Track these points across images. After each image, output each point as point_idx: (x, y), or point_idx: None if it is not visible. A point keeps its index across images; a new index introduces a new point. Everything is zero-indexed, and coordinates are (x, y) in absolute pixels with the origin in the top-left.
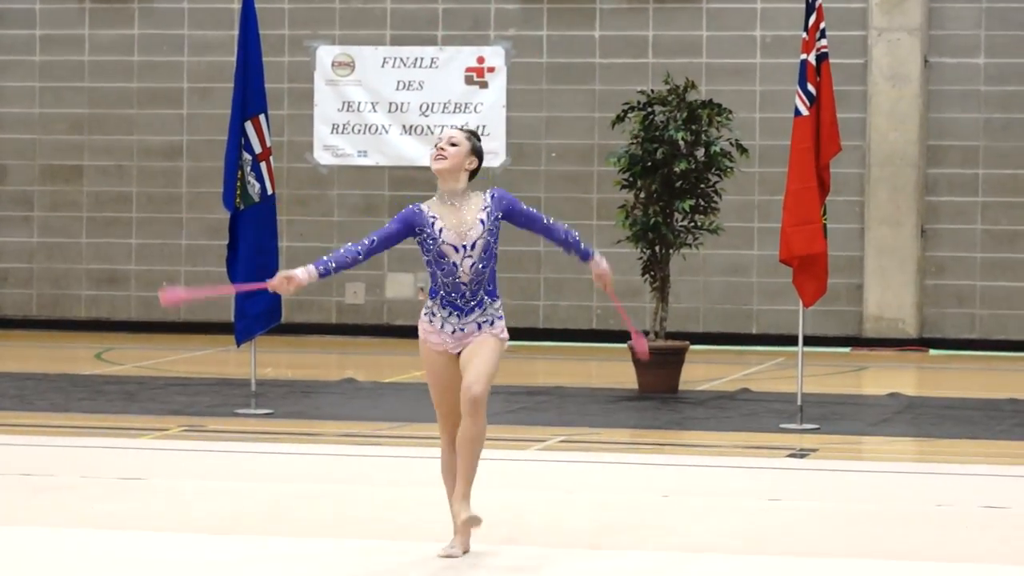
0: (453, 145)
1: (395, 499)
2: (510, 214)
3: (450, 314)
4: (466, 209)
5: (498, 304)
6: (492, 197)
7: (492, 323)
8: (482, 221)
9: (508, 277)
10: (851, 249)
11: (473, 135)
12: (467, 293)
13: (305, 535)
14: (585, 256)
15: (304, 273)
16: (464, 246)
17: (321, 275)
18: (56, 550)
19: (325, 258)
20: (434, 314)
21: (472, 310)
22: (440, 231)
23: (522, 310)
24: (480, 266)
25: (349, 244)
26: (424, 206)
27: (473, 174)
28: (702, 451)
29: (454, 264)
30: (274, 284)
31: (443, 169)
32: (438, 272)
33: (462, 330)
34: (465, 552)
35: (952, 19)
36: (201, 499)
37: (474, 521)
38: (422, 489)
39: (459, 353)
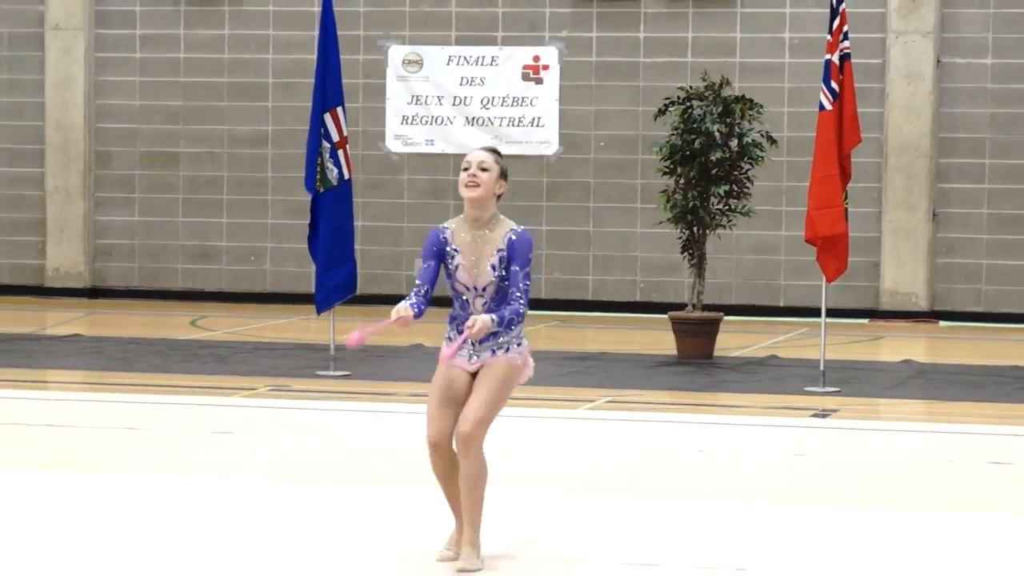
0: (484, 170)
1: None
2: (505, 262)
3: (465, 342)
4: (486, 247)
5: (515, 332)
6: (511, 240)
7: (507, 350)
8: (493, 267)
9: (561, 254)
10: (869, 230)
11: (498, 154)
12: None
13: (379, 483)
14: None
15: (405, 305)
16: (476, 287)
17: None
18: (156, 496)
19: (414, 301)
20: (451, 339)
21: (487, 338)
22: (456, 268)
23: (574, 284)
24: (492, 306)
25: (413, 298)
26: (449, 232)
27: (498, 198)
28: (734, 411)
29: (466, 300)
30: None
31: (475, 197)
32: (456, 301)
33: (477, 356)
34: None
35: (963, 23)
36: (285, 451)
37: (475, 570)
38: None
39: (475, 374)
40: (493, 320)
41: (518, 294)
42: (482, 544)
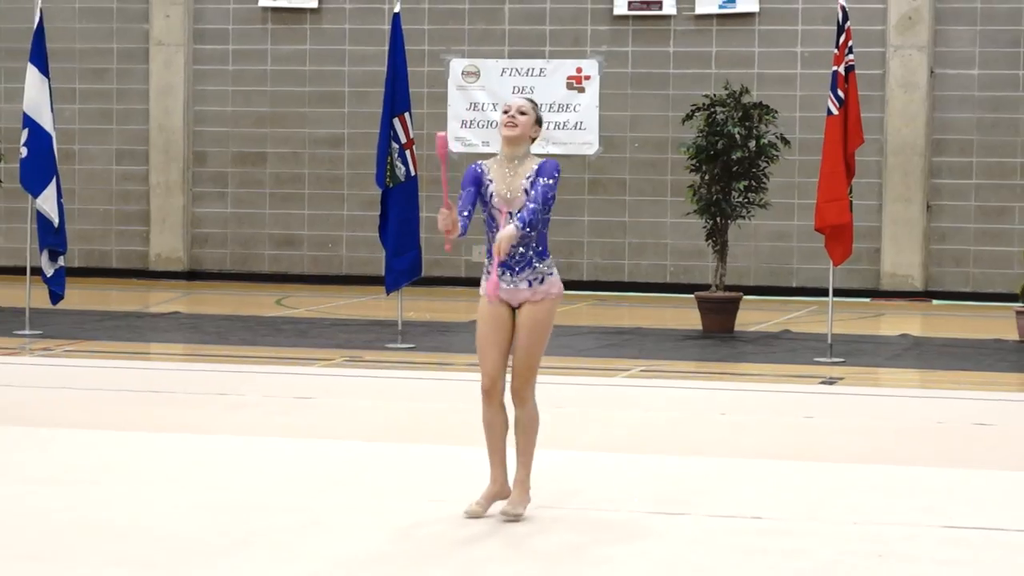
0: (523, 114)
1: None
2: (533, 183)
3: (503, 273)
4: (518, 175)
5: (548, 262)
6: (540, 164)
7: (542, 280)
8: (526, 191)
9: (600, 241)
10: (871, 220)
11: (535, 105)
12: (516, 255)
13: (442, 443)
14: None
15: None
16: (511, 212)
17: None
18: (245, 454)
19: (464, 222)
20: (488, 272)
21: (522, 269)
22: (491, 194)
23: (611, 268)
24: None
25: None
26: (484, 165)
27: (532, 141)
28: (752, 379)
29: (499, 226)
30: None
31: (513, 136)
32: (490, 233)
33: (515, 286)
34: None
35: (953, 39)
36: (359, 414)
37: (517, 517)
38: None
39: (516, 308)
40: (517, 227)
41: (533, 198)
42: (533, 495)
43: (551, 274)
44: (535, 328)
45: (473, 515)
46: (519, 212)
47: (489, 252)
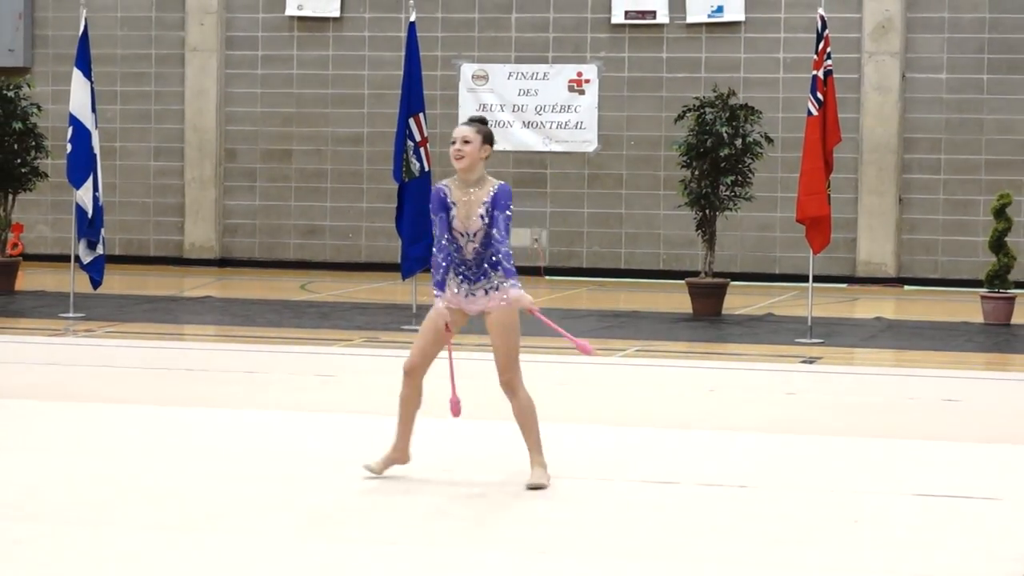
0: (467, 143)
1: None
2: (490, 211)
3: (461, 282)
4: (475, 199)
5: (500, 272)
6: (494, 194)
7: (497, 287)
8: (482, 216)
9: (599, 231)
10: (847, 212)
11: (481, 122)
12: (473, 267)
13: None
14: (506, 274)
15: (443, 305)
16: (468, 233)
17: (443, 291)
18: (272, 427)
19: (438, 280)
20: (449, 280)
21: (478, 279)
22: (453, 218)
23: (609, 256)
24: (480, 248)
25: (436, 255)
26: (447, 188)
27: (486, 159)
28: (738, 358)
29: (459, 246)
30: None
31: (463, 167)
32: (450, 248)
33: (473, 295)
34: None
35: (923, 46)
36: (377, 390)
37: (540, 486)
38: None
39: (476, 314)
40: (518, 287)
41: (498, 237)
42: (526, 466)
43: (505, 282)
44: (505, 330)
45: (370, 470)
46: (498, 259)
47: (445, 266)
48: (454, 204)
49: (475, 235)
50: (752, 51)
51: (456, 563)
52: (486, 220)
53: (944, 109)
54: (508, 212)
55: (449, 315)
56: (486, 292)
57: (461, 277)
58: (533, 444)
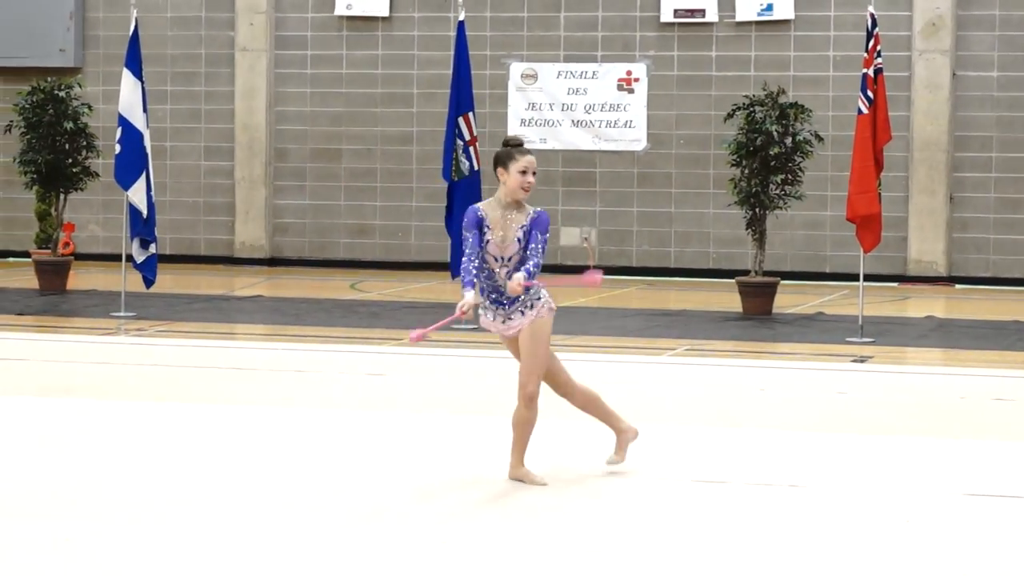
0: (535, 174)
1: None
2: (527, 234)
3: (497, 308)
4: (513, 223)
5: (534, 290)
6: (534, 217)
7: (532, 305)
8: (519, 240)
9: (648, 230)
10: (898, 211)
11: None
12: (506, 291)
13: (499, 415)
14: (526, 272)
15: (472, 295)
16: (502, 258)
17: (472, 287)
18: (322, 425)
19: (468, 280)
20: (486, 308)
21: (513, 302)
22: (488, 241)
23: (658, 254)
24: (512, 273)
25: (467, 263)
26: (484, 211)
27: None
28: (788, 357)
29: (492, 271)
30: (461, 314)
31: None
32: (482, 275)
33: (510, 318)
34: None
35: (974, 43)
36: (426, 389)
37: (539, 481)
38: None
39: (515, 334)
40: (525, 277)
41: (534, 252)
42: (583, 466)
43: (539, 298)
44: (533, 337)
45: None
46: (525, 265)
47: (483, 291)
48: (490, 228)
49: (510, 260)
50: (802, 49)
51: (505, 560)
52: (522, 243)
53: (995, 107)
54: (547, 235)
55: (472, 304)
56: (523, 313)
57: (495, 304)
58: (521, 449)
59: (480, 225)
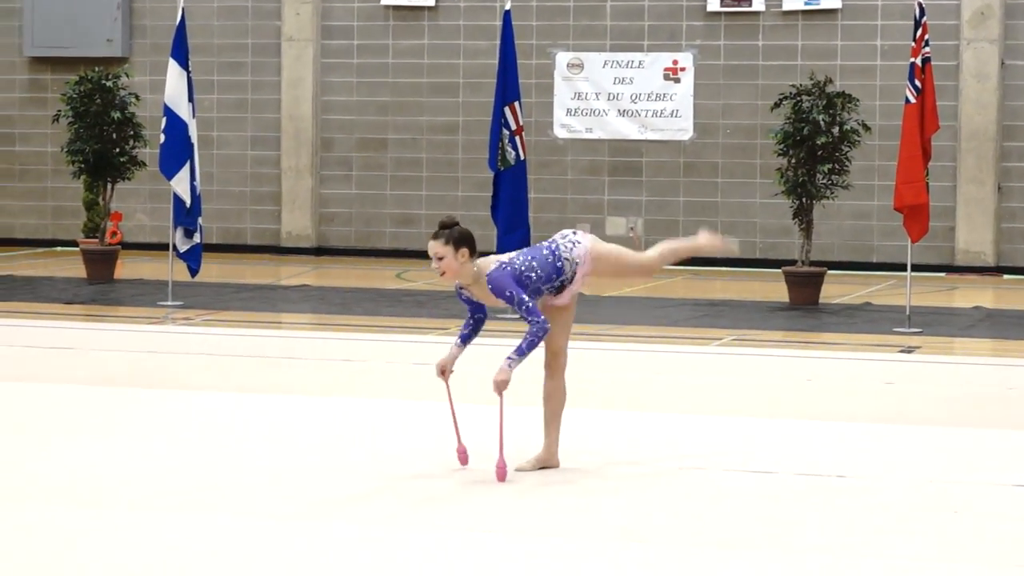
0: (440, 259)
1: (607, 376)
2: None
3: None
4: (483, 291)
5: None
6: (489, 289)
7: (570, 279)
8: (496, 297)
9: (695, 220)
10: (946, 200)
11: (449, 228)
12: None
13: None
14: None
15: (457, 350)
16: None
17: (464, 344)
18: (370, 415)
19: (463, 334)
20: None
21: (554, 286)
22: (475, 298)
23: None
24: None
25: (464, 328)
26: (464, 290)
27: (472, 252)
28: (835, 347)
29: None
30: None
31: (448, 280)
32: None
33: (560, 293)
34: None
35: (1022, 32)
36: (474, 377)
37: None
38: (638, 373)
39: (568, 301)
40: (509, 366)
41: (525, 318)
42: (625, 455)
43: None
44: (572, 314)
45: (520, 469)
46: (518, 345)
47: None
48: (471, 294)
49: (518, 345)
50: (849, 38)
51: (551, 551)
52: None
53: None
54: (508, 293)
55: (449, 363)
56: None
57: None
58: (556, 429)
59: (466, 299)
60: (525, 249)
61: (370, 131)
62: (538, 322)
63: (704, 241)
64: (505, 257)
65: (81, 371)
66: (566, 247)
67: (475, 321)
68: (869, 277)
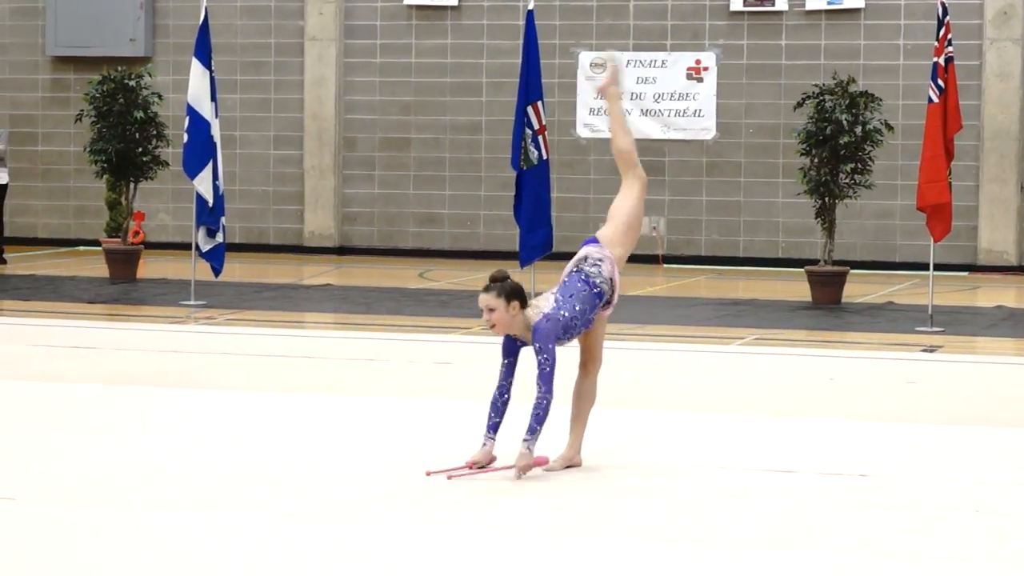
0: (492, 311)
1: (629, 376)
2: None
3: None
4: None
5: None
6: (533, 337)
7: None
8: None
9: (717, 219)
10: (968, 200)
11: (500, 282)
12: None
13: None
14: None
15: (491, 444)
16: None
17: (495, 434)
18: (392, 414)
19: (492, 423)
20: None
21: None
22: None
23: (727, 244)
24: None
25: (498, 396)
26: (517, 340)
27: (523, 305)
28: (858, 347)
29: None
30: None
31: (498, 334)
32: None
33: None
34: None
35: None
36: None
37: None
38: (661, 373)
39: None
40: (528, 447)
41: (538, 379)
42: (647, 454)
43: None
44: (605, 324)
45: (547, 468)
46: (529, 423)
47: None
48: (523, 342)
49: (529, 422)
50: (872, 38)
51: (575, 553)
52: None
53: None
54: (541, 347)
55: (483, 460)
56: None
57: None
58: (582, 428)
59: (513, 351)
60: (565, 291)
61: (393, 131)
62: (546, 393)
63: (603, 84)
64: (548, 306)
65: (104, 370)
66: (594, 272)
67: (503, 402)
68: (891, 276)
